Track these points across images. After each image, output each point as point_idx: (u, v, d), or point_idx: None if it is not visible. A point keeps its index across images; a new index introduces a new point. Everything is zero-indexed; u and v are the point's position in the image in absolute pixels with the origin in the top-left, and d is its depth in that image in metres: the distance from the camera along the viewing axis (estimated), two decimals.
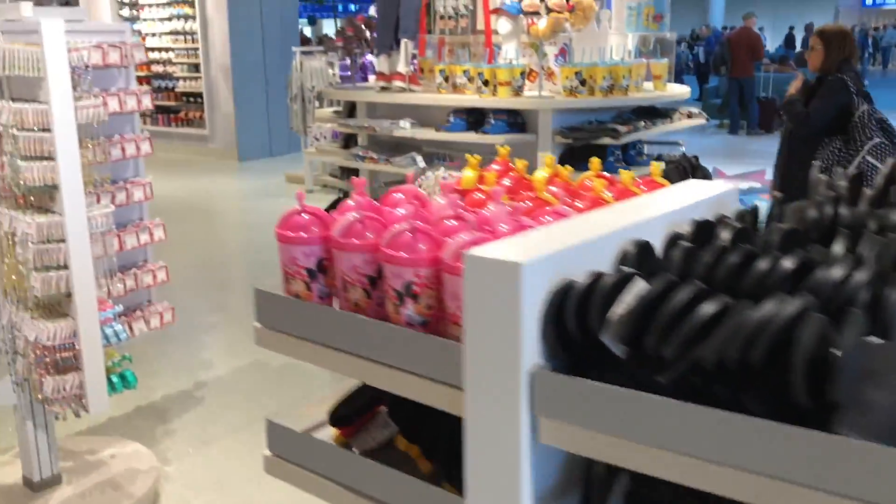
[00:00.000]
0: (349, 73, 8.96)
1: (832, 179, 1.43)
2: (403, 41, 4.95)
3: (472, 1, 4.72)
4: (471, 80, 4.71)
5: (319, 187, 9.54)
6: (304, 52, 9.60)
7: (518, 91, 4.51)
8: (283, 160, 11.39)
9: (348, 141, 5.48)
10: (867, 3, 38.80)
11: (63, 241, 2.48)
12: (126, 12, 11.55)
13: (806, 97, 4.49)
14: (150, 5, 11.44)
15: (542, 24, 4.36)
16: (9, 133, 2.39)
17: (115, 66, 2.87)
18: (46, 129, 2.41)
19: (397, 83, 4.97)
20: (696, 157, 5.11)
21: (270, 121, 11.56)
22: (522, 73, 4.53)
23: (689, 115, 5.02)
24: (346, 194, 5.72)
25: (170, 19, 11.21)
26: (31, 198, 2.50)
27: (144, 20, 11.46)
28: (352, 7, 29.49)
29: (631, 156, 4.62)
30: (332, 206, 5.82)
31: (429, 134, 4.69)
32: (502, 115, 4.50)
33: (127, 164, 3.07)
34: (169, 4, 11.25)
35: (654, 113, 4.83)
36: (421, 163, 4.74)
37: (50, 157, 2.43)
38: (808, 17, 30.22)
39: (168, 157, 10.82)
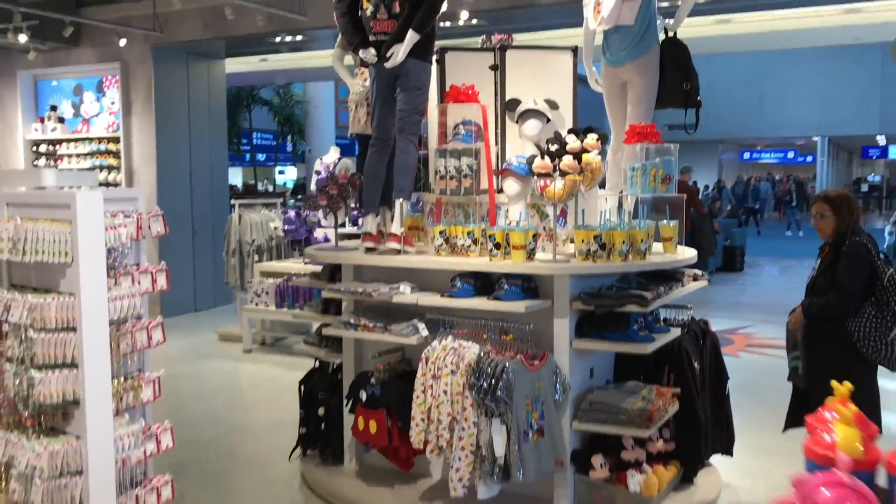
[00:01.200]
0: (294, 226, 8.53)
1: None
2: (398, 201, 4.61)
3: (476, 161, 4.45)
4: (475, 241, 4.39)
5: (257, 346, 8.88)
6: (243, 205, 9.19)
7: (531, 254, 4.20)
8: (210, 315, 10.70)
9: (328, 305, 5.00)
10: (745, 157, 41.93)
11: (80, 473, 1.88)
12: (42, 162, 10.89)
13: (823, 266, 4.33)
14: (70, 155, 10.85)
15: (558, 186, 4.12)
16: (22, 335, 1.83)
17: (130, 239, 2.37)
18: (71, 328, 1.86)
19: (391, 245, 4.58)
20: (706, 322, 4.88)
21: (196, 274, 10.93)
22: (535, 236, 4.24)
23: (695, 278, 4.82)
24: (323, 364, 5.16)
25: (91, 170, 10.61)
26: (42, 417, 1.91)
27: (63, 171, 10.80)
28: (260, 157, 29.48)
29: (649, 322, 4.32)
30: (307, 377, 5.24)
31: (433, 300, 4.28)
32: (516, 280, 4.15)
33: (133, 356, 2.50)
34: (91, 155, 10.70)
35: (663, 276, 4.60)
36: (424, 331, 4.29)
37: (73, 364, 1.87)
38: (694, 169, 32.28)
39: None
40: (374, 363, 4.54)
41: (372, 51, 4.50)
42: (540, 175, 4.21)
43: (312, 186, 9.28)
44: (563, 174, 4.16)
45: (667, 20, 4.91)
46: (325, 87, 18.91)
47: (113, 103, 10.60)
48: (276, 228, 9.02)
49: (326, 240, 8.69)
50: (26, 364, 1.83)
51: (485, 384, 3.91)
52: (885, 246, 13.32)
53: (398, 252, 4.61)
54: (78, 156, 10.78)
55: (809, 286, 4.35)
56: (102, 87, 10.74)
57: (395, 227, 4.61)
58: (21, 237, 1.81)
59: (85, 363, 1.85)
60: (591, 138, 4.34)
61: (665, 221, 4.53)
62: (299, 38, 10.18)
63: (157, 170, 10.29)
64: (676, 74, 4.83)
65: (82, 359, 1.84)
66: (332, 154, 9.10)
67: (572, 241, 4.64)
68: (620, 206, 4.90)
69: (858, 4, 8.41)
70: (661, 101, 4.87)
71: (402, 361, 4.66)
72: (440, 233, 4.48)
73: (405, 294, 4.35)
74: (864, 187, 38.97)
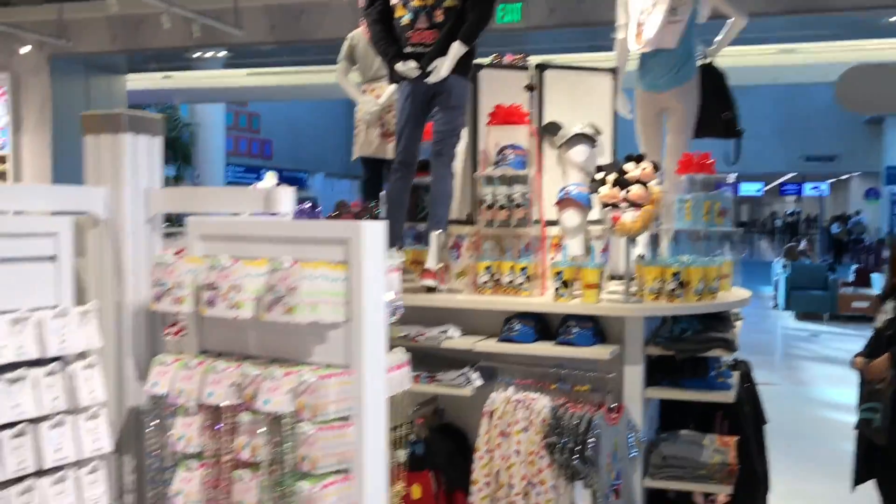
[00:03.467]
0: None
1: None
2: (434, 233, 4.08)
3: (528, 189, 3.99)
4: (529, 279, 3.93)
5: None
6: (168, 234, 8.24)
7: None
8: None
9: None
10: None
11: None
12: None
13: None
14: None
15: (630, 216, 3.73)
16: (282, 430, 1.20)
17: None
18: (343, 418, 1.25)
19: (426, 282, 4.04)
20: (748, 363, 4.63)
21: None
22: (602, 274, 3.83)
23: (736, 317, 4.57)
24: None
25: None
26: None
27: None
28: None
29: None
30: None
31: (488, 345, 3.77)
32: (587, 322, 3.72)
33: None
34: None
35: (715, 316, 4.29)
36: (477, 381, 3.78)
37: (343, 470, 1.25)
38: None
39: None
40: (412, 417, 3.95)
41: (413, 63, 3.96)
42: (607, 205, 3.82)
43: None
44: (633, 205, 3.79)
45: (704, 46, 4.69)
46: (213, 110, 17.78)
47: None
48: None
49: None
50: (286, 472, 1.19)
51: (570, 443, 3.43)
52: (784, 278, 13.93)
53: (433, 290, 4.07)
54: None
55: (885, 333, 4.05)
56: None
57: (431, 263, 4.07)
58: (296, 286, 1.17)
59: (364, 468, 1.23)
60: (648, 166, 4.00)
61: (723, 257, 4.24)
62: (222, 53, 9.37)
63: None
64: (715, 102, 4.60)
65: (361, 463, 1.22)
66: (269, 180, 8.35)
67: (612, 279, 4.30)
68: (654, 240, 4.60)
69: (794, 45, 8.68)
70: (700, 131, 4.62)
71: (435, 413, 4.10)
72: (486, 268, 3.98)
73: (455, 338, 3.82)
74: None
